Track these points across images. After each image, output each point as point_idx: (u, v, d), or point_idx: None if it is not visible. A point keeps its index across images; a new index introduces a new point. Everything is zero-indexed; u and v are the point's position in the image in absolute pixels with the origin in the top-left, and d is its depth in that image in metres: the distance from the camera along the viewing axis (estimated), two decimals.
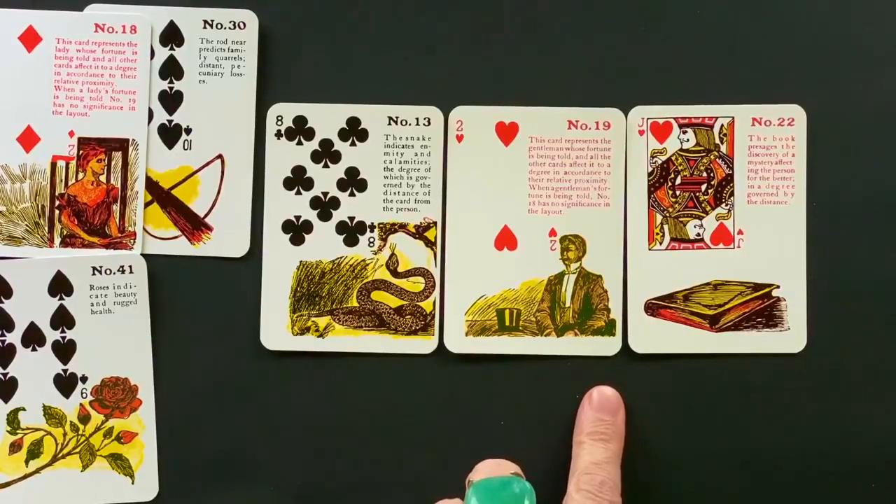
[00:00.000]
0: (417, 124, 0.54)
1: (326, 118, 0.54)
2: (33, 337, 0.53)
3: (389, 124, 0.54)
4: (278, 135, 0.54)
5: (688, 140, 0.54)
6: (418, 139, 0.54)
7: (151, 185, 0.54)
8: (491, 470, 0.48)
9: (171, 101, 0.54)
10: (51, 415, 0.54)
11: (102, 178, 0.54)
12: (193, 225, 0.54)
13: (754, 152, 0.54)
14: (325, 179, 0.54)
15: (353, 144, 0.54)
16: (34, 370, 0.53)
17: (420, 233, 0.54)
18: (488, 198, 0.54)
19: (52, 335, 0.53)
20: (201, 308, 0.54)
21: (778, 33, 0.54)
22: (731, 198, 0.54)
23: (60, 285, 0.53)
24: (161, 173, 0.54)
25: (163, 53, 0.54)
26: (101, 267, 0.53)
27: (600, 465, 0.49)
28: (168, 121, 0.54)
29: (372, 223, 0.54)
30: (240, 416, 0.54)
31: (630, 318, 0.54)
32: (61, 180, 0.54)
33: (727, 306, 0.54)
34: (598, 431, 0.51)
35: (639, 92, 0.54)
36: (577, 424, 0.52)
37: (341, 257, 0.54)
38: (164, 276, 0.54)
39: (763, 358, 0.54)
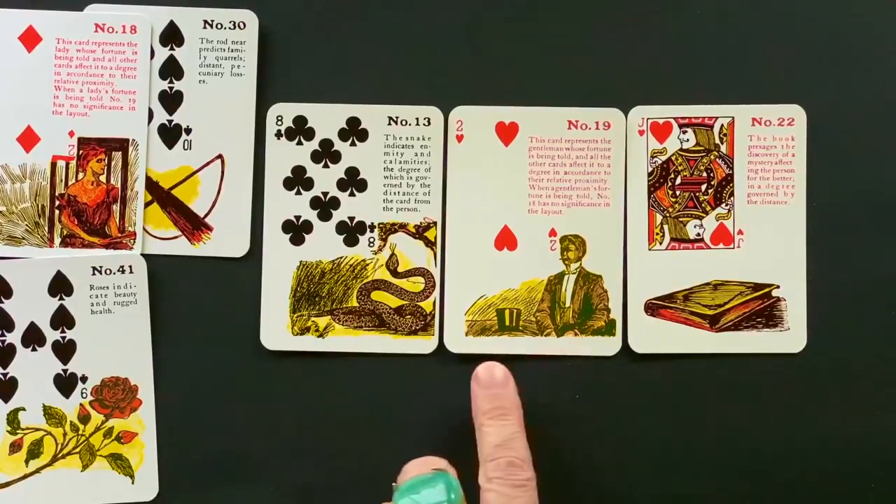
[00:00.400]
0: (417, 124, 0.54)
1: (326, 118, 0.54)
2: (33, 337, 0.53)
3: (389, 124, 0.54)
4: (278, 135, 0.54)
5: (688, 140, 0.54)
6: (418, 139, 0.54)
7: (151, 185, 0.54)
8: (418, 469, 0.47)
9: (171, 101, 0.54)
10: (51, 415, 0.54)
11: (102, 178, 0.54)
12: (193, 225, 0.54)
13: (754, 152, 0.54)
14: (325, 179, 0.54)
15: (353, 144, 0.54)
16: (34, 370, 0.53)
17: (420, 233, 0.54)
18: (488, 198, 0.54)
19: (52, 335, 0.53)
20: (201, 308, 0.54)
21: (778, 33, 0.55)
22: (731, 198, 0.54)
23: (60, 285, 0.53)
24: (161, 173, 0.54)
25: (163, 53, 0.54)
26: (101, 267, 0.53)
27: (503, 446, 0.48)
28: (168, 121, 0.54)
29: (372, 223, 0.54)
30: (240, 416, 0.54)
31: (630, 318, 0.54)
32: (61, 180, 0.54)
33: (727, 306, 0.54)
34: (494, 408, 0.49)
35: (639, 92, 0.54)
36: (473, 409, 0.50)
37: (341, 257, 0.54)
38: (164, 276, 0.54)
39: (763, 358, 0.54)
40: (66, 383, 0.54)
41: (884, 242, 0.54)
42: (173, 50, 0.54)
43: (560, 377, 0.54)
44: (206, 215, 0.54)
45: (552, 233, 0.54)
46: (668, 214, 0.54)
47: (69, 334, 0.53)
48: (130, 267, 0.53)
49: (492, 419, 0.49)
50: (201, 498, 0.54)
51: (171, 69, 0.54)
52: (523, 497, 0.47)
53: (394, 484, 0.48)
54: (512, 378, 0.50)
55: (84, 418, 0.54)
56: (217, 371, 0.54)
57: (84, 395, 0.54)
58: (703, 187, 0.54)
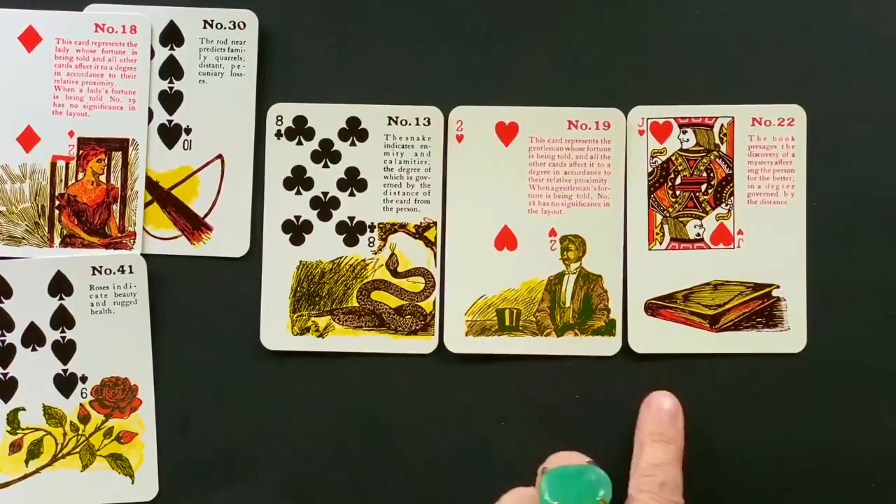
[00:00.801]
0: (417, 124, 0.54)
1: (326, 118, 0.54)
2: (33, 337, 0.53)
3: (389, 124, 0.54)
4: (278, 135, 0.54)
5: (688, 140, 0.54)
6: (418, 139, 0.54)
7: (151, 185, 0.54)
8: (562, 461, 0.48)
9: (171, 101, 0.54)
10: (51, 415, 0.54)
11: (102, 178, 0.54)
12: (193, 225, 0.54)
13: (754, 152, 0.54)
14: (325, 179, 0.54)
15: (353, 144, 0.54)
16: (34, 370, 0.53)
17: (420, 233, 0.54)
18: (488, 198, 0.54)
19: (52, 335, 0.53)
20: (201, 308, 0.54)
21: (778, 33, 0.54)
22: (731, 198, 0.54)
23: (60, 285, 0.53)
24: (161, 173, 0.54)
25: (163, 53, 0.54)
26: (101, 267, 0.53)
27: (660, 467, 0.49)
28: (168, 121, 0.54)
29: (372, 223, 0.54)
30: (240, 416, 0.54)
31: (630, 318, 0.54)
32: (61, 180, 0.54)
33: (727, 306, 0.54)
34: (658, 432, 0.50)
35: (639, 92, 0.54)
36: (637, 427, 0.51)
37: (341, 257, 0.54)
38: (164, 276, 0.54)
39: (763, 358, 0.54)
40: (66, 383, 0.54)
41: (884, 242, 0.54)
42: (173, 50, 0.54)
43: (560, 377, 0.54)
44: (206, 215, 0.54)
45: (552, 233, 0.54)
46: (668, 214, 0.54)
47: (69, 334, 0.53)
48: (130, 267, 0.53)
49: (654, 441, 0.50)
50: (201, 498, 0.54)
51: (171, 69, 0.54)
52: None
53: (543, 467, 0.48)
54: (682, 412, 0.51)
55: (84, 418, 0.54)
56: (217, 371, 0.54)
57: (84, 395, 0.54)
58: (703, 187, 0.54)
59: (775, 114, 0.54)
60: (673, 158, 0.54)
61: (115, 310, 0.53)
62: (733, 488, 0.54)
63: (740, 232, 0.54)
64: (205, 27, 0.54)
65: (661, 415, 0.51)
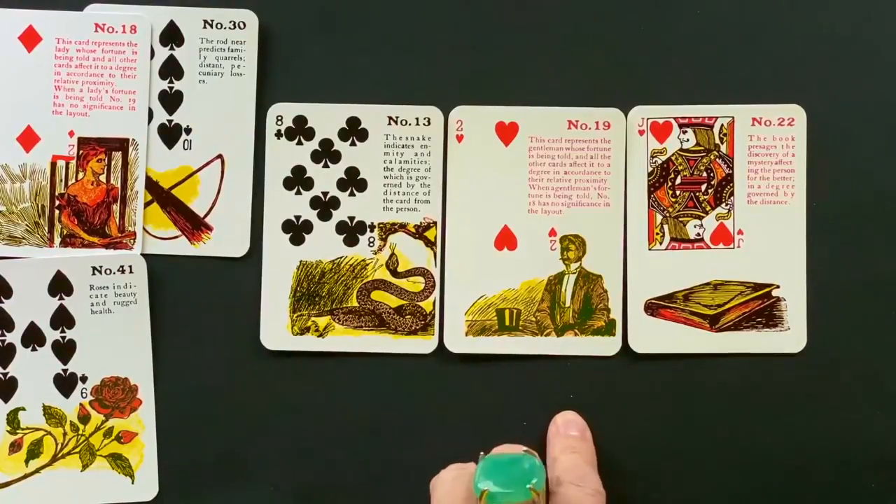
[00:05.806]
0: (417, 124, 0.54)
1: (326, 118, 0.54)
2: (33, 337, 0.53)
3: (389, 124, 0.54)
4: (278, 135, 0.54)
5: (688, 140, 0.54)
6: (418, 139, 0.54)
7: (151, 184, 0.54)
8: (503, 451, 0.49)
9: (171, 100, 0.54)
10: (51, 415, 0.54)
11: (102, 178, 0.54)
12: (193, 225, 0.54)
13: (754, 152, 0.54)
14: (325, 179, 0.54)
15: (353, 144, 0.54)
16: (34, 370, 0.53)
17: (420, 233, 0.54)
18: (488, 198, 0.54)
19: (52, 335, 0.53)
20: (201, 308, 0.54)
21: (778, 33, 0.55)
22: (731, 198, 0.54)
23: (60, 285, 0.53)
24: (161, 173, 0.54)
25: (163, 53, 0.54)
26: (101, 267, 0.53)
27: (577, 466, 0.49)
28: (168, 121, 0.54)
29: (372, 223, 0.54)
30: (240, 416, 0.54)
31: (630, 318, 0.54)
32: (61, 180, 0.54)
33: (727, 306, 0.54)
34: (568, 446, 0.51)
35: (639, 92, 0.54)
36: (548, 449, 0.52)
37: (341, 257, 0.54)
38: (164, 276, 0.54)
39: (763, 358, 0.54)
40: (66, 383, 0.54)
41: (884, 242, 0.54)
42: (173, 50, 0.54)
43: (560, 377, 0.54)
44: (206, 215, 0.54)
45: (552, 233, 0.54)
46: (668, 214, 0.54)
47: (69, 334, 0.53)
48: (130, 267, 0.53)
49: (565, 454, 0.50)
50: (201, 498, 0.54)
51: (171, 69, 0.54)
52: None
53: (482, 453, 0.48)
54: (588, 430, 0.52)
55: (84, 418, 0.54)
56: (217, 371, 0.54)
57: (84, 395, 0.54)
58: (703, 187, 0.54)
59: (775, 114, 0.54)
60: (673, 158, 0.54)
61: (115, 310, 0.53)
62: (733, 488, 0.54)
63: (740, 232, 0.54)
64: (205, 27, 0.54)
65: (567, 429, 0.52)
